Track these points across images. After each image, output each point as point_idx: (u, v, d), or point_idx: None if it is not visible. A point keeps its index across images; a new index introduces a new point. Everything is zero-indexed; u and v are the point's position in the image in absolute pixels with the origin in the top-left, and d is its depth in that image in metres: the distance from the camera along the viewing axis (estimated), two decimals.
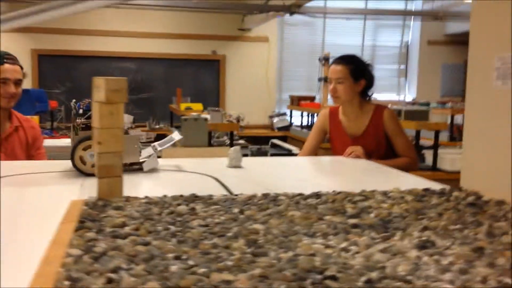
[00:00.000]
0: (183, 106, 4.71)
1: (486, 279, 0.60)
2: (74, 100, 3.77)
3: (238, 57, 6.72)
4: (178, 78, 6.46)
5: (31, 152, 2.08)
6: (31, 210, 1.03)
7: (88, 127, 1.39)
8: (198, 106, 4.68)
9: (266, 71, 6.81)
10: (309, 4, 5.64)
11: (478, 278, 0.60)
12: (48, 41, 6.13)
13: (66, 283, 0.55)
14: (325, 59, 5.55)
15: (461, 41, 7.14)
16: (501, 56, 2.26)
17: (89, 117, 1.52)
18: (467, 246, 0.72)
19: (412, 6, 7.33)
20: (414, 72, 7.50)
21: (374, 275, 0.61)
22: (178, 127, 5.58)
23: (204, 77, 6.64)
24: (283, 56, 7.03)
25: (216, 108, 3.87)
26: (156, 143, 1.56)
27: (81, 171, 1.32)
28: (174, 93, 5.51)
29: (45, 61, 6.16)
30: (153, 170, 1.43)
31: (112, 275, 0.58)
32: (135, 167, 1.43)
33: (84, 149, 1.34)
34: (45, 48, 6.13)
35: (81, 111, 3.52)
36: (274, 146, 4.41)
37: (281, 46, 6.98)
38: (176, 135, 1.58)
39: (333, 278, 0.59)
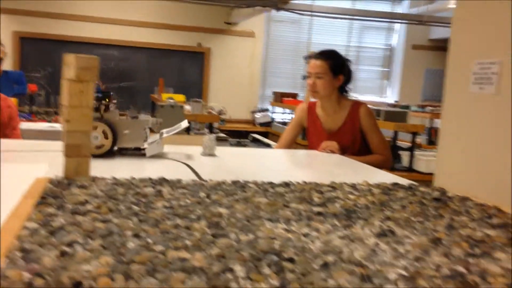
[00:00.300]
0: (165, 96, 4.67)
1: (439, 267, 0.61)
2: None
3: (223, 51, 6.69)
4: (161, 68, 6.41)
5: (6, 131, 2.05)
6: None
7: (96, 109, 1.39)
8: (180, 97, 4.65)
9: (250, 66, 6.80)
10: (296, 1, 5.65)
11: (432, 266, 0.61)
12: (31, 24, 6.02)
13: (18, 253, 0.54)
14: (309, 57, 5.56)
15: (445, 47, 7.23)
16: (479, 61, 2.31)
17: (97, 100, 1.53)
18: (425, 236, 0.73)
19: (399, 9, 7.39)
20: (397, 75, 7.58)
21: (330, 258, 0.61)
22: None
23: (188, 69, 6.60)
24: (268, 52, 7.03)
25: (197, 99, 3.85)
26: (164, 130, 1.54)
27: None
28: (156, 83, 5.47)
29: (27, 44, 6.05)
30: (156, 156, 1.43)
31: (66, 248, 0.57)
32: (138, 152, 1.43)
33: None
34: (27, 31, 6.02)
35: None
36: (254, 140, 4.41)
37: (267, 42, 6.98)
38: (184, 123, 1.54)
39: (290, 260, 0.60)
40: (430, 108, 5.19)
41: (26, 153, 1.37)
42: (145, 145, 1.44)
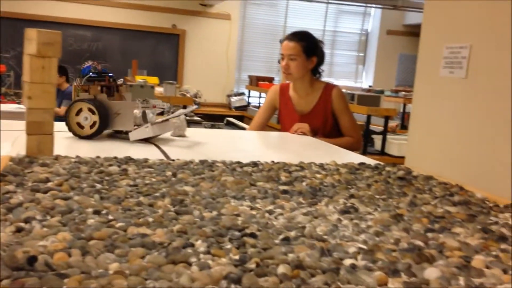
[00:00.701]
0: (138, 78, 4.59)
1: (398, 241, 0.62)
2: None
3: (198, 33, 6.61)
4: (135, 50, 6.29)
5: None
6: None
7: (86, 90, 1.37)
8: (154, 79, 4.57)
9: (226, 49, 6.74)
10: None
11: (391, 240, 0.62)
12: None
13: None
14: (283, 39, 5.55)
15: (419, 32, 7.31)
16: (449, 46, 2.34)
17: (88, 80, 1.50)
18: (387, 213, 0.74)
19: None
20: (372, 60, 7.63)
21: (292, 234, 0.62)
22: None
23: (163, 51, 6.50)
24: (244, 36, 6.98)
25: (171, 81, 3.80)
26: (174, 114, 1.48)
27: (79, 136, 1.32)
28: (130, 65, 5.37)
29: None
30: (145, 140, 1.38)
31: (23, 225, 0.56)
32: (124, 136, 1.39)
33: (77, 114, 1.32)
34: None
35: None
36: (229, 124, 4.39)
37: (242, 25, 6.92)
38: (190, 107, 1.47)
39: (252, 235, 0.60)
40: (404, 93, 5.25)
41: None
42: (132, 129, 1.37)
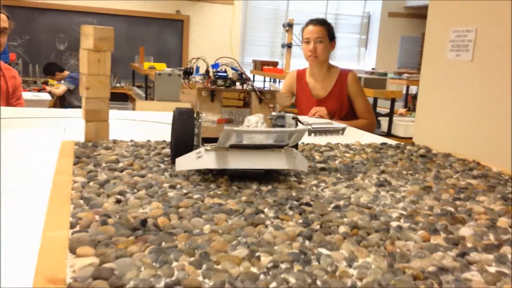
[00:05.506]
0: (146, 65, 4.68)
1: (432, 208, 0.72)
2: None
3: (202, 19, 6.66)
4: (140, 36, 6.36)
5: (11, 101, 2.07)
6: (25, 150, 1.08)
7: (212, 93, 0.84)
8: (162, 65, 4.66)
9: (230, 34, 6.80)
10: None
11: (426, 207, 0.73)
12: None
13: (81, 201, 0.63)
14: (289, 26, 5.61)
15: (420, 14, 7.36)
16: (456, 29, 2.43)
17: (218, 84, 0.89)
18: (417, 185, 0.85)
19: None
20: (374, 43, 7.69)
21: (341, 203, 0.72)
22: (140, 87, 5.55)
23: (167, 37, 6.56)
24: (247, 21, 7.03)
25: (180, 68, 3.88)
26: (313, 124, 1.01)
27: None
28: (136, 51, 5.45)
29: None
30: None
31: (119, 196, 0.66)
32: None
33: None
34: None
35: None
36: None
37: (245, 10, 6.96)
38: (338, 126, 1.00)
39: (308, 204, 0.70)
40: (407, 75, 5.33)
41: (36, 120, 1.43)
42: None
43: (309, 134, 0.97)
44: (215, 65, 0.84)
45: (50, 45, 6.13)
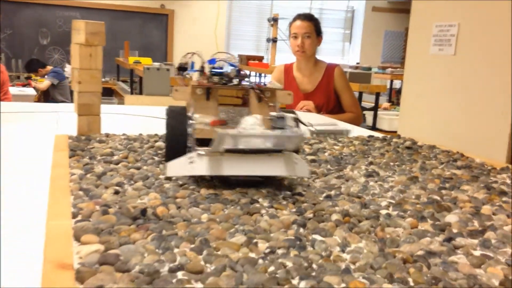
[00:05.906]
0: (131, 59, 4.65)
1: (419, 197, 0.75)
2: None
3: (187, 13, 6.64)
4: (124, 31, 6.31)
5: None
6: (20, 143, 1.09)
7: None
8: (147, 60, 4.64)
9: (215, 28, 6.79)
10: None
11: (413, 196, 0.75)
12: None
13: (81, 192, 0.65)
14: (274, 20, 5.63)
15: (403, 9, 7.44)
16: (439, 24, 2.47)
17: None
18: (404, 176, 0.88)
19: None
20: (358, 37, 7.75)
21: (332, 192, 0.75)
22: (125, 81, 5.51)
23: (152, 31, 6.53)
24: (232, 15, 7.02)
25: (167, 62, 3.88)
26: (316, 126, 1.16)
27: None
28: (120, 46, 5.41)
29: None
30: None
31: (117, 188, 0.68)
32: None
33: None
34: None
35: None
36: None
37: (230, 4, 6.95)
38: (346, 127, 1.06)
39: (300, 194, 0.73)
40: (391, 69, 5.39)
41: (26, 114, 1.43)
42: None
43: (312, 136, 0.95)
44: (212, 61, 0.82)
45: (33, 39, 6.06)
